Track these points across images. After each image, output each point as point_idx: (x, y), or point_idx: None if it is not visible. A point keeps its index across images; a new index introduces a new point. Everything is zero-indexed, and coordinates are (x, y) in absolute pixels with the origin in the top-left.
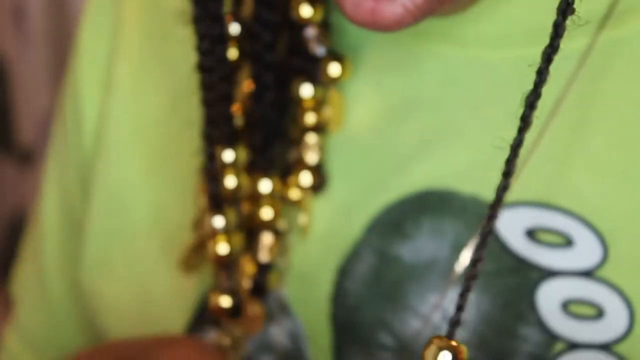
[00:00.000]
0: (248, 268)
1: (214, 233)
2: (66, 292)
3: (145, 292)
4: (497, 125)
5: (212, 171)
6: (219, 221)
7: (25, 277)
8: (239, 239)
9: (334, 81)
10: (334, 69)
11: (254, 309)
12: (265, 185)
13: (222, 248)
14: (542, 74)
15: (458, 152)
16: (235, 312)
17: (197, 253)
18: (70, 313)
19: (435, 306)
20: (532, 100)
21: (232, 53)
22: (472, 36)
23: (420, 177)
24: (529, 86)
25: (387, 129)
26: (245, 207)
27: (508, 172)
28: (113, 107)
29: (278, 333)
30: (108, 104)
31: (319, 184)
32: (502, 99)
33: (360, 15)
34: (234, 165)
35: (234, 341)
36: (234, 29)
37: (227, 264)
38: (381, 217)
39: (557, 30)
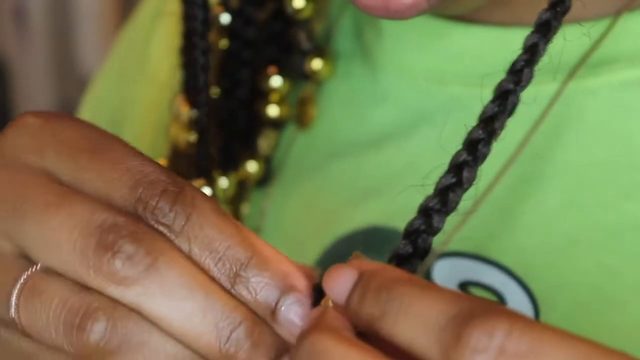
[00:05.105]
0: None
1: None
2: None
3: None
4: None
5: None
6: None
7: None
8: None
9: (314, 77)
10: (316, 64)
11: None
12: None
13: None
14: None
15: (414, 192)
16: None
17: None
18: None
19: None
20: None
21: (223, 43)
22: (451, 74)
23: (372, 212)
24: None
25: (353, 159)
26: None
27: (430, 223)
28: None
29: None
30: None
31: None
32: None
33: (372, 2)
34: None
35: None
36: (225, 19)
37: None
38: (331, 250)
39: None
